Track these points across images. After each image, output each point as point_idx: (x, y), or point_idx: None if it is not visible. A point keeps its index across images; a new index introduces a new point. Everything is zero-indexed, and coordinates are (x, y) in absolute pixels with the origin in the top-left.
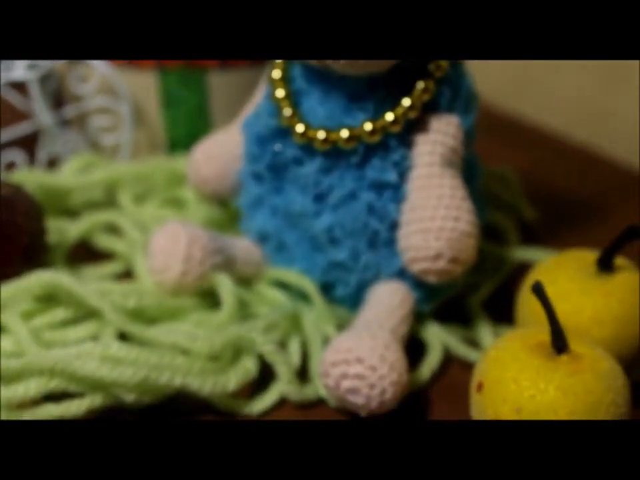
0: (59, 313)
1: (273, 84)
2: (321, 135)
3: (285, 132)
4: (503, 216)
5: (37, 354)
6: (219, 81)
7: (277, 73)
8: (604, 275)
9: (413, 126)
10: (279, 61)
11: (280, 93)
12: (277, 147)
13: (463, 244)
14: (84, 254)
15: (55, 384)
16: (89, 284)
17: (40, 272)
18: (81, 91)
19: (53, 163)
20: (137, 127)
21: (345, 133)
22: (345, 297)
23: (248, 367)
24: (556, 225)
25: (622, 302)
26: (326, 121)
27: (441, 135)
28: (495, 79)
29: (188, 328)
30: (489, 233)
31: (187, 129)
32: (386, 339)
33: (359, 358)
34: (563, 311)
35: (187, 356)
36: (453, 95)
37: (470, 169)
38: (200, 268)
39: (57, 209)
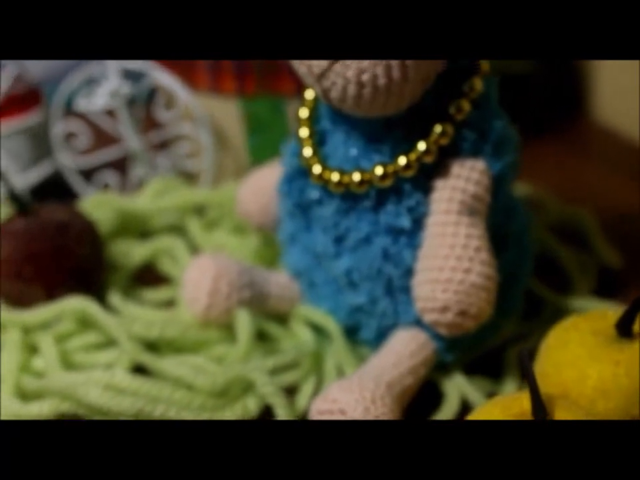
0: (91, 337)
1: (298, 122)
2: (335, 177)
3: (306, 172)
4: (575, 259)
5: (54, 376)
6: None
7: (304, 112)
8: (621, 341)
9: (433, 170)
10: (308, 99)
11: (304, 132)
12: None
13: (472, 297)
14: (150, 277)
15: (66, 407)
16: (122, 310)
17: (72, 298)
18: (164, 117)
19: (143, 185)
20: (222, 151)
21: (356, 177)
22: (370, 339)
23: (248, 406)
24: None
25: (631, 373)
26: (344, 162)
27: (462, 180)
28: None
29: (201, 361)
30: (558, 279)
31: (272, 153)
32: (376, 393)
33: (342, 410)
34: (567, 377)
35: (191, 390)
36: (477, 139)
37: (507, 212)
38: (226, 302)
39: (132, 231)
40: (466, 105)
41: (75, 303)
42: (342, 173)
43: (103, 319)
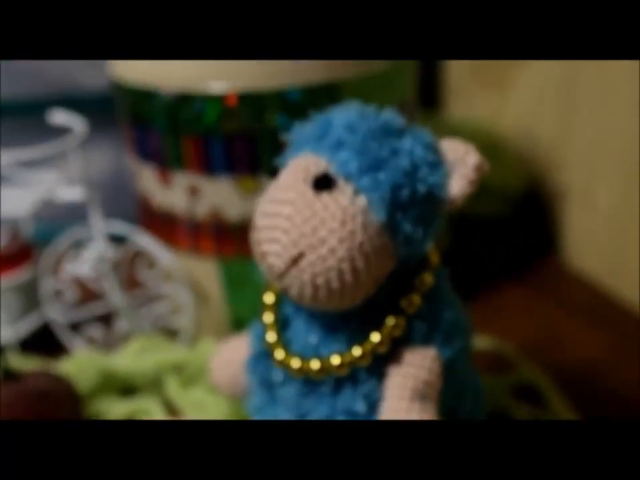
0: None
1: (263, 308)
2: (295, 364)
3: (270, 355)
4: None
5: None
6: None
7: (269, 298)
8: None
9: (386, 358)
10: (273, 285)
11: (268, 318)
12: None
13: None
14: None
15: None
16: None
17: None
18: (146, 277)
19: (127, 337)
20: (202, 309)
21: (315, 365)
22: None
23: None
24: None
25: None
26: (304, 349)
27: (414, 368)
28: (593, 259)
29: None
30: None
31: (251, 307)
32: None
33: None
34: None
35: None
36: (428, 329)
37: (458, 393)
38: None
39: (112, 388)
40: (417, 299)
41: None
42: (302, 359)
43: None
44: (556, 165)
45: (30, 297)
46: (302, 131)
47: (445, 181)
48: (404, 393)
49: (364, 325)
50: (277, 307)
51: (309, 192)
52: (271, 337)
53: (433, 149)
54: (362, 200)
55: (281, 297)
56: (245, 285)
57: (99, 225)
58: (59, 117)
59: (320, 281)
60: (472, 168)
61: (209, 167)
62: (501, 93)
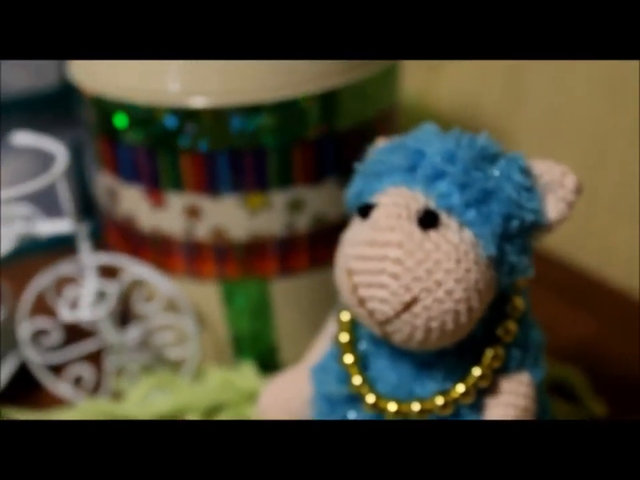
0: None
1: (341, 348)
2: (392, 407)
3: (355, 397)
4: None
5: None
6: (279, 287)
7: (344, 337)
8: None
9: (484, 390)
10: (344, 322)
11: (348, 358)
12: (351, 414)
13: None
14: None
15: None
16: None
17: None
18: (145, 310)
19: (120, 373)
20: (204, 337)
21: (416, 407)
22: None
23: None
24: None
25: None
26: (396, 389)
27: (512, 396)
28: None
29: None
30: None
31: (251, 330)
32: None
33: None
34: None
35: None
36: (522, 355)
37: (541, 412)
38: None
39: None
40: (513, 326)
41: None
42: (398, 402)
43: None
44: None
45: (7, 338)
46: (383, 160)
47: (542, 205)
48: None
49: (461, 359)
50: (353, 345)
51: (417, 231)
52: (357, 379)
53: (527, 173)
54: (468, 234)
55: (356, 333)
56: (248, 307)
57: (90, 260)
58: (23, 138)
59: (434, 324)
60: (571, 190)
61: (211, 185)
62: (434, 68)
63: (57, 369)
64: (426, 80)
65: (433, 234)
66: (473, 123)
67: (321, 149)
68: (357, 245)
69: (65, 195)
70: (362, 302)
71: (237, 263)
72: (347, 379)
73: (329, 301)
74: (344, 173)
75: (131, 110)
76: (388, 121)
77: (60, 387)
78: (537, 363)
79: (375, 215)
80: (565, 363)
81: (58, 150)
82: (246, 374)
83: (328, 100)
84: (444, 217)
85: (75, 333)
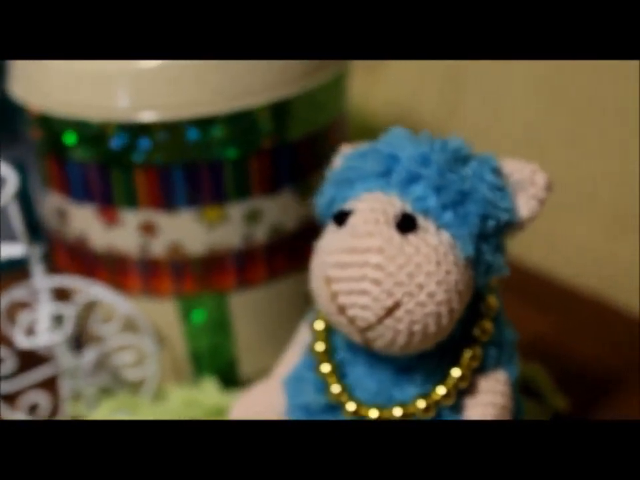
0: None
1: (317, 357)
2: (374, 413)
3: (334, 406)
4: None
5: None
6: (238, 300)
7: (320, 346)
8: None
9: (463, 390)
10: (319, 331)
11: (325, 367)
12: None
13: None
14: None
15: None
16: None
17: None
18: (103, 331)
19: (77, 397)
20: (160, 350)
21: (398, 412)
22: None
23: None
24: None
25: None
26: (376, 396)
27: (491, 395)
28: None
29: None
30: None
31: (210, 345)
32: None
33: None
34: None
35: None
36: (498, 353)
37: (516, 411)
38: None
39: None
40: (489, 326)
41: None
42: (380, 409)
43: None
44: None
45: None
46: (355, 167)
47: (514, 203)
48: None
49: (440, 361)
50: (329, 354)
51: (396, 236)
52: (335, 388)
53: (499, 172)
54: (445, 236)
55: (332, 342)
56: (207, 322)
57: (44, 283)
58: None
59: (417, 328)
60: (542, 187)
61: (167, 200)
62: (371, 72)
63: (10, 398)
64: (364, 85)
65: (412, 237)
66: (411, 126)
67: (276, 158)
68: (334, 253)
69: (17, 218)
70: (342, 309)
71: (194, 278)
72: (325, 388)
73: (288, 311)
74: (299, 181)
75: (81, 127)
76: (339, 128)
77: (15, 416)
78: (512, 361)
79: (352, 221)
80: (524, 360)
81: (7, 173)
82: (208, 390)
83: (280, 110)
84: (421, 220)
85: (28, 358)
